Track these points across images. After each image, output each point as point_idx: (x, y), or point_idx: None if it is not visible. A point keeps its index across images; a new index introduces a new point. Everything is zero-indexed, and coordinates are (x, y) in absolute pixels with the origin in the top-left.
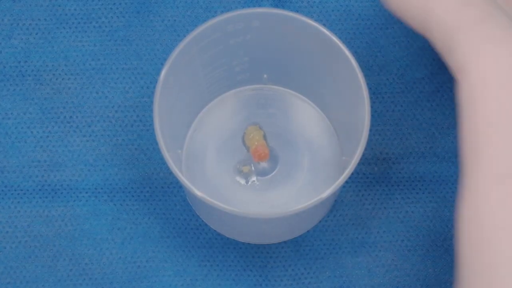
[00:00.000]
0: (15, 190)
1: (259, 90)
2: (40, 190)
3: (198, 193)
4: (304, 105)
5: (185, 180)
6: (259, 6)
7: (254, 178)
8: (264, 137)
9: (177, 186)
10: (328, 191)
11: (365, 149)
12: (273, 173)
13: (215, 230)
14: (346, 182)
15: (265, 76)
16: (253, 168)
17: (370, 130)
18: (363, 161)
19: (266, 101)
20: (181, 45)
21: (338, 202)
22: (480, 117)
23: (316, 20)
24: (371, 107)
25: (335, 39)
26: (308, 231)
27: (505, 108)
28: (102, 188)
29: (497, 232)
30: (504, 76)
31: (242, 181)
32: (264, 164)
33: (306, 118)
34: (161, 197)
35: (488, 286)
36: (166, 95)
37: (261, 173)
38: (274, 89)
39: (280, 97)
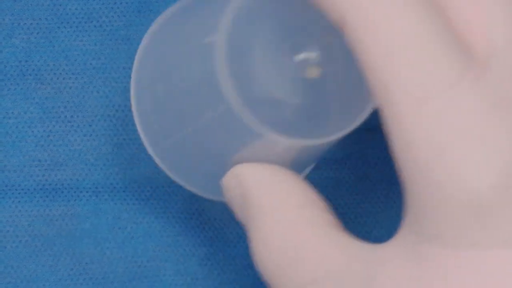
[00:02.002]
0: (15, 190)
1: None
2: (40, 189)
3: None
4: None
5: None
6: None
7: None
8: None
9: (178, 185)
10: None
11: (366, 148)
12: None
13: (216, 229)
14: (346, 181)
15: None
16: None
17: (373, 130)
18: (364, 160)
19: None
20: None
21: (337, 201)
22: (377, 46)
23: None
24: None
25: None
26: None
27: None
28: (103, 187)
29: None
30: None
31: None
32: None
33: None
34: (162, 196)
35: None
36: None
37: None
38: None
39: None
